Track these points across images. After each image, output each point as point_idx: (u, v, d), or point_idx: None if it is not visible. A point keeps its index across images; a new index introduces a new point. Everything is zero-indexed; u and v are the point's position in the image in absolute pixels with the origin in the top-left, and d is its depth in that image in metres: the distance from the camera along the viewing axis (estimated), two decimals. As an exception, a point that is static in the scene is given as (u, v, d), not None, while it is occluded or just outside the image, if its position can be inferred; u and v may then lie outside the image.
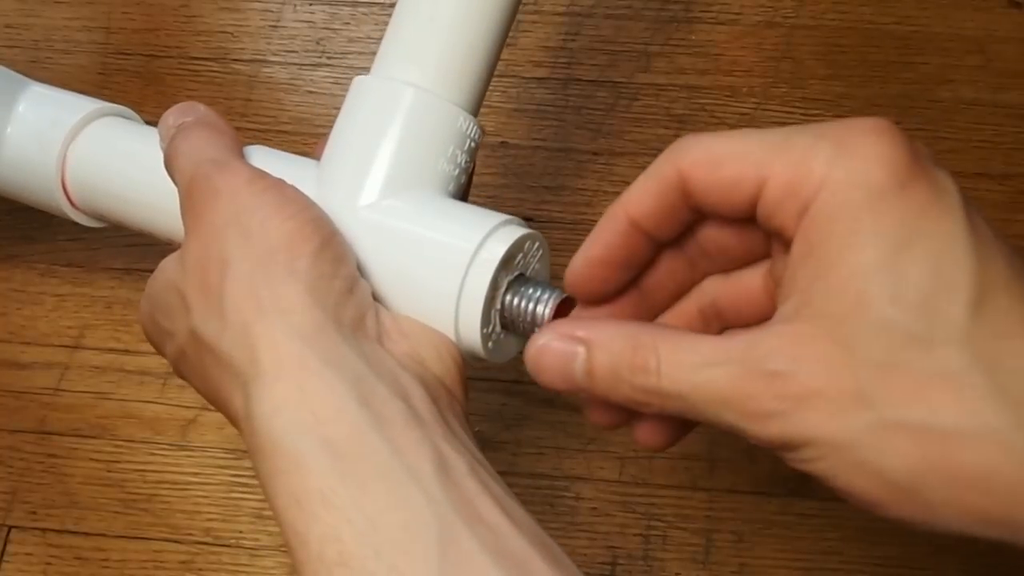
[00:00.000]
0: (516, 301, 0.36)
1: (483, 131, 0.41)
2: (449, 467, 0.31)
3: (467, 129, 0.39)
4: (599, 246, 0.34)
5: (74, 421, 0.55)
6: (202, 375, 0.35)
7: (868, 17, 0.65)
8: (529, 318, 0.36)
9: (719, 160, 0.31)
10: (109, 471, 0.53)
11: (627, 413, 0.34)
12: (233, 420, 0.34)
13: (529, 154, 0.61)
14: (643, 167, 0.32)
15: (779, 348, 0.29)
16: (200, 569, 0.51)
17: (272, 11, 0.66)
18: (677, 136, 0.35)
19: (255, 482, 0.53)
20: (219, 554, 0.51)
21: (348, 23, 0.65)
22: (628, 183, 0.33)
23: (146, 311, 0.38)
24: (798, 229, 0.30)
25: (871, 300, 0.28)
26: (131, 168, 0.46)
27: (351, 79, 0.41)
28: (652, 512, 0.52)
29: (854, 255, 0.29)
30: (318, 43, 0.65)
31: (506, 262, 0.36)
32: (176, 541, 0.52)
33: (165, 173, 0.40)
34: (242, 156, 0.39)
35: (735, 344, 0.30)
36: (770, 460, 0.53)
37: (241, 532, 0.52)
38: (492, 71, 0.41)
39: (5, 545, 0.52)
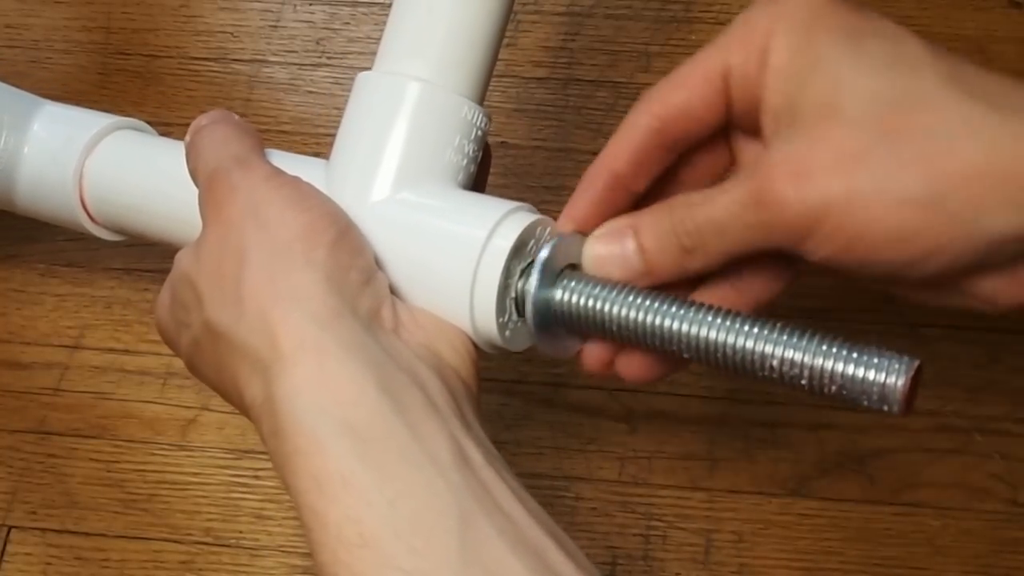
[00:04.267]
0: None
1: (490, 119, 0.41)
2: (467, 456, 0.31)
3: (473, 118, 0.39)
4: (582, 206, 0.37)
5: (74, 421, 0.55)
6: (216, 366, 0.36)
7: (868, 17, 0.65)
8: (877, 389, 0.32)
9: (684, 78, 0.35)
10: (109, 471, 0.53)
11: (614, 351, 0.38)
12: (248, 408, 0.34)
13: (529, 154, 0.61)
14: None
15: (784, 151, 0.32)
16: (200, 569, 0.51)
17: (272, 11, 0.66)
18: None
19: (255, 482, 0.53)
20: (219, 554, 0.51)
21: (348, 23, 0.65)
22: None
23: (165, 304, 0.39)
24: (766, 76, 0.33)
25: (847, 82, 0.32)
26: (147, 180, 0.46)
27: (351, 79, 0.41)
28: (652, 512, 0.52)
29: (821, 62, 0.32)
30: (318, 43, 0.65)
31: (518, 249, 0.36)
32: (176, 541, 0.52)
33: (182, 183, 0.40)
34: (263, 155, 0.39)
35: (746, 170, 0.34)
36: (770, 460, 0.53)
37: (241, 532, 0.52)
38: (495, 58, 0.41)
39: (5, 545, 0.52)
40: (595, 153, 0.37)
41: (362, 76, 0.40)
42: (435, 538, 0.29)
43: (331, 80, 0.63)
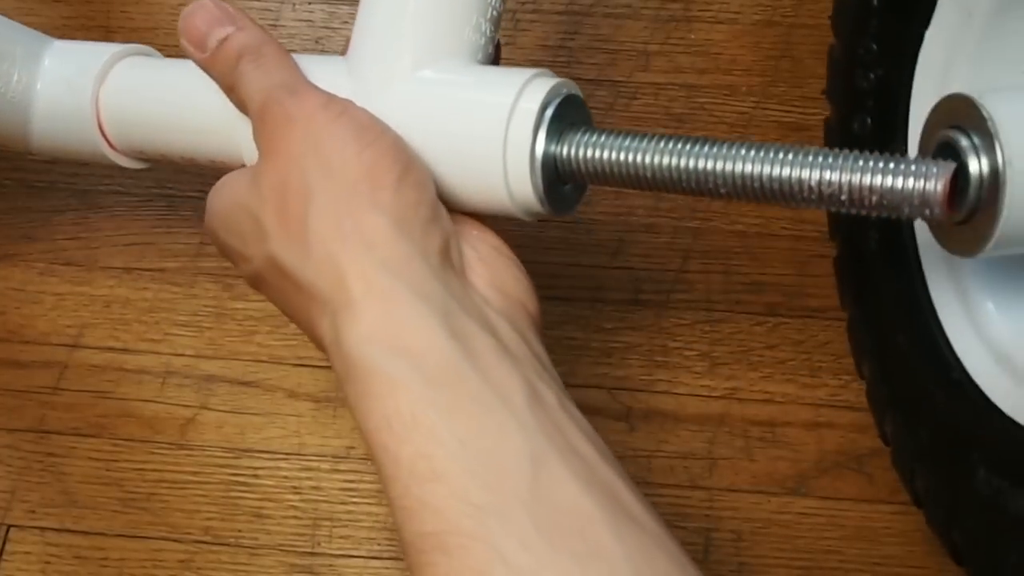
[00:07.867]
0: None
1: (504, 1, 0.41)
2: (540, 397, 0.32)
3: None
4: None
5: (73, 420, 0.55)
6: (283, 298, 0.36)
7: (868, 16, 0.65)
8: (918, 195, 0.33)
9: None
10: (108, 470, 0.53)
11: None
12: (318, 341, 0.35)
13: (528, 153, 0.61)
14: (641, 165, 0.33)
15: None
16: (199, 568, 0.51)
17: (272, 10, 0.66)
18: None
19: (254, 481, 0.53)
20: (218, 553, 0.51)
21: (347, 22, 0.65)
22: (626, 181, 0.33)
23: (212, 227, 0.39)
24: None
25: None
26: (165, 97, 0.46)
27: (350, 78, 0.41)
28: (651, 511, 0.52)
29: None
30: (317, 42, 0.65)
31: (544, 110, 0.36)
32: (175, 540, 0.52)
33: (200, 95, 0.40)
34: (308, 81, 0.39)
35: None
36: (769, 459, 0.53)
37: (240, 531, 0.52)
38: None
39: (4, 544, 0.52)
40: (594, 152, 0.37)
41: None
42: (507, 476, 0.29)
43: (330, 79, 0.63)
